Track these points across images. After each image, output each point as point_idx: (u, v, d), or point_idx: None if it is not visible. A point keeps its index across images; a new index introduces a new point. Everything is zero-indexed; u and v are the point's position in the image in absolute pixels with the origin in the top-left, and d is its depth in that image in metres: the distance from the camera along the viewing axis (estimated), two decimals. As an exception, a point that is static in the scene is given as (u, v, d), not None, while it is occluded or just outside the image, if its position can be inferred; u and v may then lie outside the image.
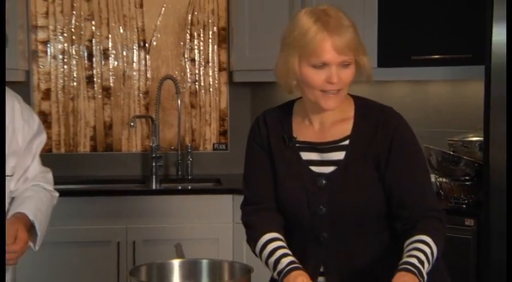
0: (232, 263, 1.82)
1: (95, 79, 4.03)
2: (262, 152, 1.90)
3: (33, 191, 2.10)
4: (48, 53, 3.98)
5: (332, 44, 1.71)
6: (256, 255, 1.85)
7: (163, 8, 4.04)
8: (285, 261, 1.74)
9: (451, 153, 3.16)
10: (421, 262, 1.67)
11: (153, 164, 3.91)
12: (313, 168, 1.84)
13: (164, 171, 4.02)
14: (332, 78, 1.73)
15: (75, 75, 4.01)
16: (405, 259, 1.68)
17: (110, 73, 4.04)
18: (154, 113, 3.99)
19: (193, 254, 1.88)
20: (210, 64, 4.11)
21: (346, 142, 1.84)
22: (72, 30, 3.99)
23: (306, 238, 1.86)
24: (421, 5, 3.32)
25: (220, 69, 4.12)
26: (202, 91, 4.11)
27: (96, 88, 4.03)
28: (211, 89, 4.12)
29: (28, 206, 2.01)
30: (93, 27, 4.00)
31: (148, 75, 4.07)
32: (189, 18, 4.07)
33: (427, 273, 1.68)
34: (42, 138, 2.17)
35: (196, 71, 4.11)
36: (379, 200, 1.82)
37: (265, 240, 1.81)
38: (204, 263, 1.80)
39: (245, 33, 3.81)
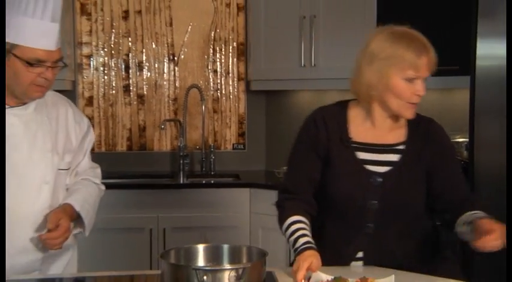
0: (249, 248, 1.82)
1: (131, 88, 4.04)
2: (312, 150, 1.87)
3: (82, 184, 2.10)
4: (91, 66, 4.00)
5: (427, 61, 1.77)
6: (282, 234, 1.85)
7: (190, 26, 4.05)
8: (302, 241, 1.74)
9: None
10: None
11: (181, 161, 3.91)
12: (368, 167, 1.83)
13: (190, 167, 4.02)
14: (421, 91, 1.78)
15: (114, 84, 4.03)
16: (475, 215, 1.71)
17: (144, 83, 4.05)
18: (182, 117, 4.00)
19: (215, 240, 1.88)
20: (230, 75, 4.11)
21: (401, 146, 1.85)
22: (112, 45, 4.01)
23: (348, 226, 1.85)
24: (413, 22, 3.30)
25: (239, 79, 4.12)
26: (224, 98, 4.12)
27: (132, 95, 4.04)
28: (231, 96, 4.12)
29: (75, 198, 2.01)
30: (130, 43, 4.02)
31: (176, 84, 4.07)
32: (212, 35, 4.07)
33: (438, 265, 1.75)
34: (91, 137, 2.17)
35: (218, 81, 4.11)
36: (423, 198, 1.85)
37: (290, 221, 1.81)
38: (225, 247, 1.79)
39: (261, 48, 3.81)
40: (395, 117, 1.85)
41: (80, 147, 2.11)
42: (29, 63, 1.82)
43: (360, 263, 1.85)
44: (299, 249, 1.72)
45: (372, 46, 1.81)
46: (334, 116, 1.88)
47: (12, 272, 1.89)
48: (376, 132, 1.86)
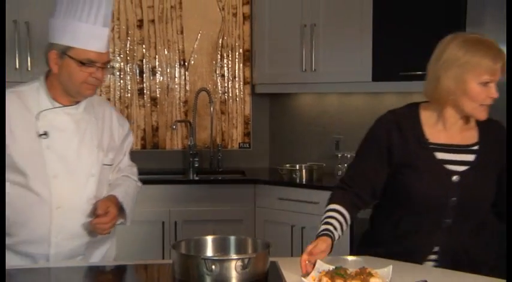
0: (254, 240, 1.81)
1: (144, 91, 4.05)
2: (376, 151, 1.86)
3: (122, 180, 2.16)
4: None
5: (502, 65, 1.75)
6: None
7: (199, 34, 4.06)
8: (322, 227, 1.75)
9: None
10: None
11: (191, 159, 3.92)
12: (447, 166, 1.81)
13: (199, 165, 4.02)
14: (495, 94, 1.76)
15: (129, 88, 4.04)
16: None
17: (157, 86, 4.06)
18: (191, 118, 4.00)
19: (222, 232, 1.88)
20: (237, 79, 4.12)
21: (475, 147, 1.84)
22: (127, 52, 4.02)
23: (426, 222, 1.83)
24: (407, 31, 3.30)
25: (244, 83, 4.12)
26: (230, 100, 4.12)
27: (145, 98, 4.05)
28: (237, 99, 4.13)
29: (118, 190, 2.07)
30: (144, 50, 4.03)
31: (187, 88, 4.08)
32: (220, 42, 4.07)
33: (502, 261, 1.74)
34: (131, 139, 2.23)
35: (226, 85, 4.11)
36: (493, 196, 1.85)
37: (328, 208, 1.83)
38: (232, 239, 1.80)
39: (265, 54, 3.82)
40: (466, 119, 1.84)
41: (121, 147, 2.17)
42: (82, 63, 1.89)
43: (435, 256, 1.83)
44: (318, 235, 1.73)
45: (446, 54, 1.79)
46: (408, 118, 1.87)
47: (59, 258, 1.95)
48: (447, 133, 1.84)
